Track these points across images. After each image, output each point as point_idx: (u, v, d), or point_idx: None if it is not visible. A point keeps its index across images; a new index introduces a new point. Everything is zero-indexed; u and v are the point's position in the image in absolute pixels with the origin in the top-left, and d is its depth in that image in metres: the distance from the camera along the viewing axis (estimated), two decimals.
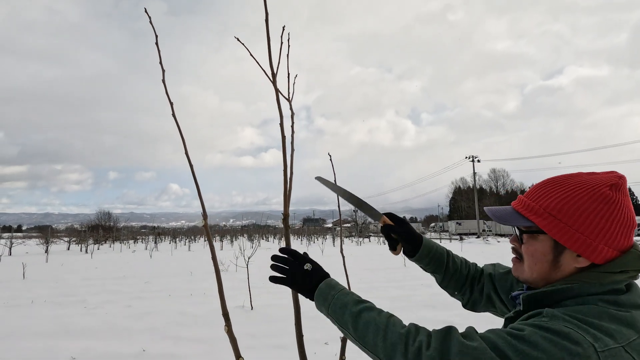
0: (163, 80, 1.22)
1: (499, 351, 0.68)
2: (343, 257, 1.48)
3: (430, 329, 0.81)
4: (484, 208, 0.95)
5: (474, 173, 55.59)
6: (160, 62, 1.24)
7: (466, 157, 55.82)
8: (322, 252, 22.11)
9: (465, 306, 1.18)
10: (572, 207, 0.79)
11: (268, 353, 4.44)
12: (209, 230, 1.13)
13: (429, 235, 62.85)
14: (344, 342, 1.24)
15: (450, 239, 43.82)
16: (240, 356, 1.05)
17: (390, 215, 1.20)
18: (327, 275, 1.02)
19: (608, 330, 0.69)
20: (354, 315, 0.86)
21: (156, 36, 1.18)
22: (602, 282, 0.77)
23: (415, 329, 0.80)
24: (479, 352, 0.69)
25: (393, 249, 1.19)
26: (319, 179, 1.32)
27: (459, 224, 62.25)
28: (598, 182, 0.80)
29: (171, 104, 1.20)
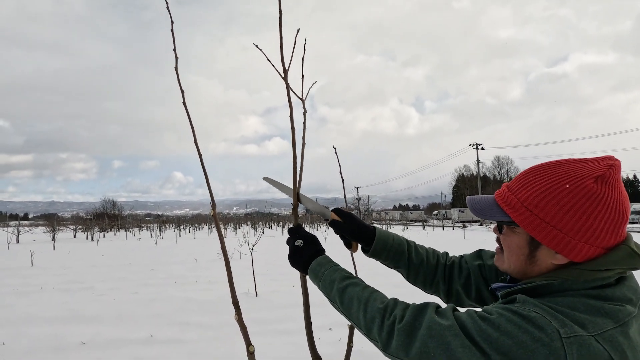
0: (176, 68, 1.20)
1: (465, 330, 0.69)
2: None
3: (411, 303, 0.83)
4: (467, 197, 0.89)
5: (478, 160, 55.36)
6: (174, 49, 1.22)
7: (470, 145, 55.53)
8: (325, 239, 22.24)
9: (447, 302, 1.10)
10: (550, 202, 0.73)
11: (274, 338, 4.52)
12: (218, 220, 1.14)
13: (432, 222, 63.01)
14: (351, 329, 1.26)
15: (453, 227, 43.92)
16: (251, 344, 1.07)
17: (337, 210, 1.15)
18: (320, 251, 1.04)
19: (579, 319, 0.66)
20: (341, 290, 0.91)
21: (172, 22, 1.18)
22: (585, 279, 0.72)
23: (394, 303, 0.83)
24: (445, 329, 0.71)
25: (349, 245, 1.14)
26: (266, 179, 1.29)
27: (462, 212, 62.23)
28: (583, 173, 0.73)
29: (182, 92, 1.19)
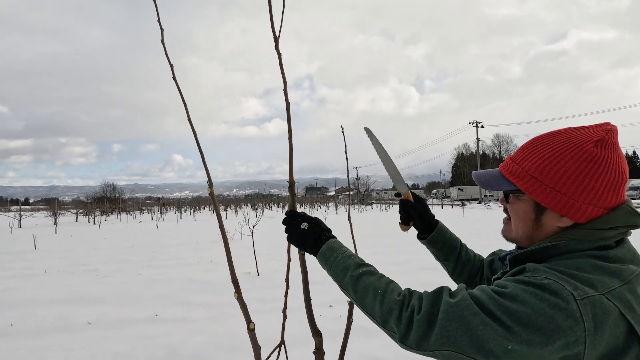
0: (162, 41, 1.14)
1: (483, 307, 0.71)
2: (351, 224, 1.51)
3: (422, 291, 0.83)
4: (472, 172, 0.95)
5: (477, 138, 55.09)
6: (159, 21, 1.14)
7: (470, 123, 55.15)
8: (325, 219, 22.37)
9: None
10: (553, 168, 0.77)
11: (276, 316, 4.62)
12: (215, 199, 1.13)
13: (431, 201, 63.33)
14: (351, 305, 1.29)
15: (452, 205, 44.15)
16: (251, 321, 1.09)
17: (412, 193, 1.23)
18: (326, 233, 1.03)
19: (588, 280, 0.70)
20: (355, 279, 0.89)
21: None
22: (590, 239, 0.76)
23: (409, 293, 0.82)
24: (463, 309, 0.72)
25: (406, 224, 1.21)
26: (367, 130, 1.26)
27: (461, 190, 62.45)
28: (583, 138, 0.77)
29: (171, 66, 1.14)
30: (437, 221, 1.21)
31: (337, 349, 1.30)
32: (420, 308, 0.77)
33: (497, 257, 1.12)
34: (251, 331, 1.11)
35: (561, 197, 0.77)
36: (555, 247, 0.77)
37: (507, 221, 0.91)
